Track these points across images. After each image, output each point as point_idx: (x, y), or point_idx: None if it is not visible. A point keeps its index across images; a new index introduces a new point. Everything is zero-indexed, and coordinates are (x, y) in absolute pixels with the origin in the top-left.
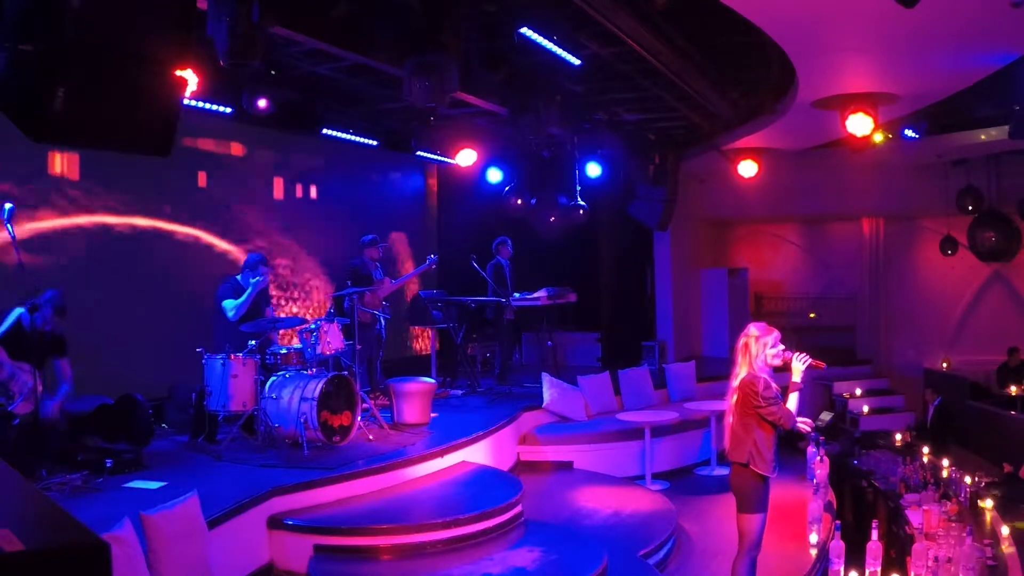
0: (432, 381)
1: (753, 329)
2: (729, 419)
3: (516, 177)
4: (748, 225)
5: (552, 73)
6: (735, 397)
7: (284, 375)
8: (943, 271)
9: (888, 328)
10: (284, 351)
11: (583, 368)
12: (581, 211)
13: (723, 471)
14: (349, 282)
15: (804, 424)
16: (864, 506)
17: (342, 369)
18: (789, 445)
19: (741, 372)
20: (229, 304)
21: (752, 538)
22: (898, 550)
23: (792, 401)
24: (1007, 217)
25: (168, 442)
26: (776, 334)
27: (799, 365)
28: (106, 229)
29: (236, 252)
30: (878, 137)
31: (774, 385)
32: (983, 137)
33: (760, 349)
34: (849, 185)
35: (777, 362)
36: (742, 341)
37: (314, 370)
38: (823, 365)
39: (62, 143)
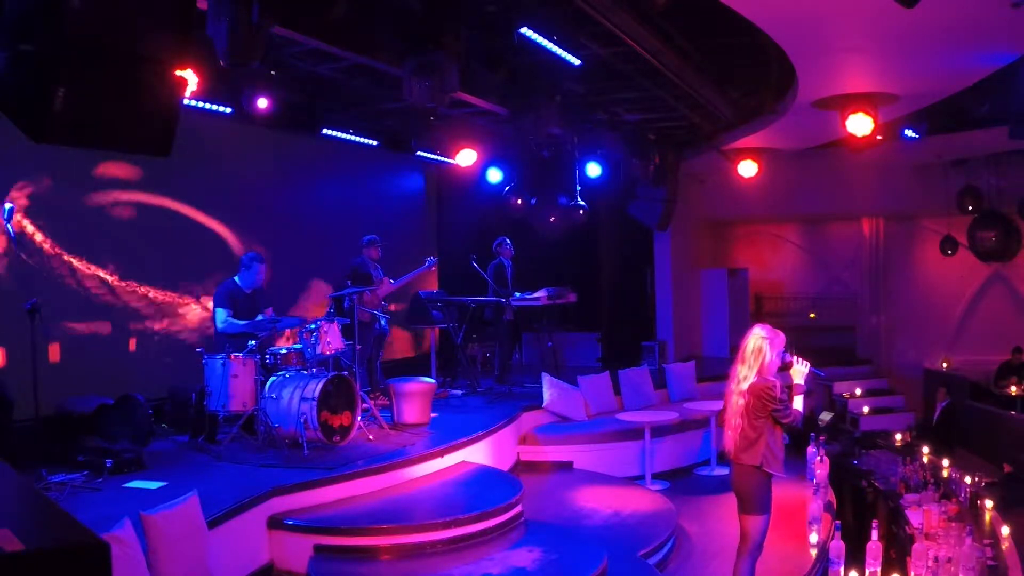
0: (432, 381)
1: (761, 330)
2: (735, 422)
3: (516, 177)
4: (748, 225)
5: (552, 73)
6: (742, 401)
7: (284, 375)
8: (943, 271)
9: (888, 328)
10: (284, 351)
11: (583, 368)
12: (581, 211)
13: (723, 471)
14: (349, 282)
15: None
16: (864, 506)
17: (342, 369)
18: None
19: (750, 376)
20: (221, 314)
21: (756, 539)
22: (898, 550)
23: (797, 403)
24: (1007, 217)
25: (168, 442)
26: (783, 337)
27: (802, 368)
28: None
29: (235, 251)
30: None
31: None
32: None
33: (770, 352)
34: (849, 185)
35: (778, 362)
36: (754, 344)
37: (314, 370)
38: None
39: (62, 143)
